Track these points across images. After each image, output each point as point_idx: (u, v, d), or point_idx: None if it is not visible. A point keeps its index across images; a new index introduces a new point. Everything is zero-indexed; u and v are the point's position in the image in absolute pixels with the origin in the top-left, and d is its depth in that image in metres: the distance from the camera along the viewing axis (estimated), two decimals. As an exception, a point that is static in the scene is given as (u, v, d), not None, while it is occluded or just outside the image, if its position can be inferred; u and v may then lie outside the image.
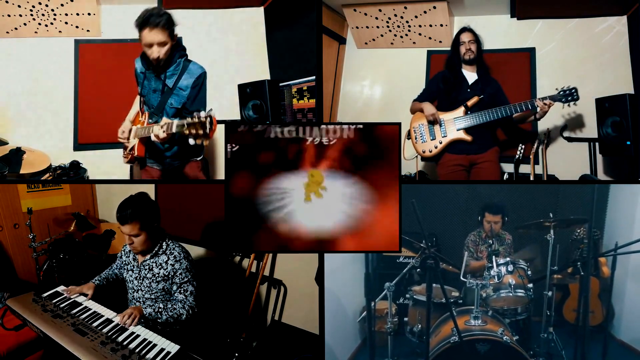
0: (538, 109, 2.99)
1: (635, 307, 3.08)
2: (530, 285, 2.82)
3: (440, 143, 3.13)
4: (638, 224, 3.03)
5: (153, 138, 2.54)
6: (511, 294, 2.78)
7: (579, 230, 3.12)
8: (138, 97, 2.88)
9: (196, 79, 2.66)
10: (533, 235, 3.06)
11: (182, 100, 2.67)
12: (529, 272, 2.88)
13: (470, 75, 3.17)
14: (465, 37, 3.15)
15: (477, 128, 3.08)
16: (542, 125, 3.49)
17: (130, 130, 2.83)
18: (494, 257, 2.87)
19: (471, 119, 3.08)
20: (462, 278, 2.83)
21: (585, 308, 2.77)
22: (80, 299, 2.51)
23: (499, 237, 3.09)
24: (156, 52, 2.55)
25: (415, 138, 3.21)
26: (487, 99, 3.11)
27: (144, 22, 2.51)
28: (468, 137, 3.08)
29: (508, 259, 2.88)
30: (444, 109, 3.16)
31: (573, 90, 3.00)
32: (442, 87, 3.18)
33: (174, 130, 2.39)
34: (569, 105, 3.02)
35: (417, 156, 3.31)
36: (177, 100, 2.67)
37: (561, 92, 3.01)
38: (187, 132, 2.27)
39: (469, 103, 3.09)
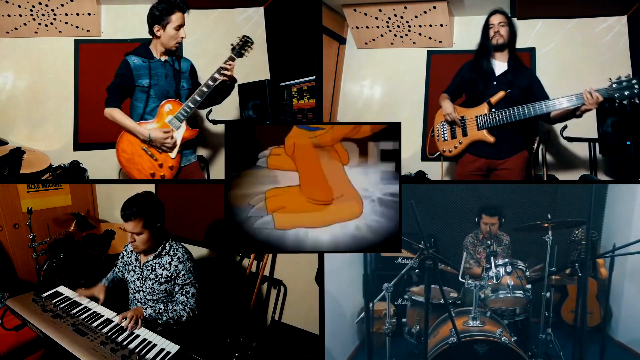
0: (582, 107, 2.49)
1: (633, 308, 3.08)
2: (529, 286, 2.82)
3: (460, 143, 2.87)
4: (636, 225, 3.02)
5: (221, 76, 2.75)
6: (509, 295, 2.78)
7: (577, 232, 3.09)
8: (114, 111, 2.79)
9: (191, 64, 2.97)
10: (531, 237, 3.05)
11: (189, 82, 2.91)
12: (527, 273, 2.88)
13: (500, 65, 2.79)
14: (495, 20, 2.77)
15: (501, 128, 2.74)
16: (542, 125, 3.49)
17: (170, 130, 2.80)
18: (492, 258, 2.87)
19: (494, 117, 2.73)
20: (460, 279, 2.83)
21: (583, 309, 2.77)
22: (91, 304, 2.48)
23: (496, 238, 3.08)
24: (183, 34, 2.79)
25: (438, 136, 3.00)
26: (516, 94, 2.72)
27: (175, 5, 2.74)
28: (491, 138, 2.76)
29: (506, 260, 2.88)
30: (470, 104, 2.87)
31: (634, 82, 2.35)
32: (467, 78, 2.84)
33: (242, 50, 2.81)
34: (625, 102, 2.53)
35: (437, 154, 3.10)
36: (187, 82, 2.90)
37: (615, 84, 2.38)
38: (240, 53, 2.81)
39: (493, 99, 2.74)
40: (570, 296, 3.15)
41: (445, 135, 2.94)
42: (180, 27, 2.78)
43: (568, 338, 2.95)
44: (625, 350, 3.06)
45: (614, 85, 2.42)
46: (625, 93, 2.39)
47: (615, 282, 2.96)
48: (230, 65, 2.80)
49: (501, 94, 2.72)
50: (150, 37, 2.87)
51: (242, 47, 2.83)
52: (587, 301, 2.95)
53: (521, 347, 2.58)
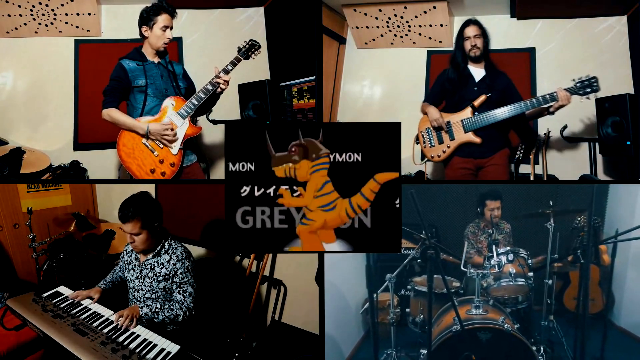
0: (554, 104, 2.74)
1: (635, 294, 3.09)
2: (531, 273, 2.83)
3: (448, 147, 2.95)
4: (639, 212, 3.01)
5: (222, 85, 2.80)
6: (512, 283, 2.80)
7: (579, 218, 3.08)
8: (112, 110, 2.74)
9: (183, 68, 2.97)
10: (532, 224, 3.04)
11: (184, 82, 2.93)
12: (529, 261, 2.89)
13: (478, 71, 2.94)
14: (470, 32, 2.89)
15: (485, 129, 2.87)
16: (542, 125, 3.49)
17: (169, 123, 2.77)
18: (493, 246, 2.87)
19: (478, 119, 2.87)
20: (462, 268, 2.84)
21: (585, 296, 2.75)
22: (86, 301, 2.48)
23: (497, 226, 3.07)
24: (169, 35, 2.82)
25: (424, 143, 3.05)
26: (495, 96, 2.88)
27: (160, 7, 2.78)
28: (477, 139, 2.87)
29: (508, 248, 2.89)
30: (452, 110, 2.97)
31: (593, 80, 2.71)
32: (447, 87, 2.97)
33: (249, 52, 2.92)
34: (587, 97, 2.75)
35: (426, 160, 3.19)
36: (182, 82, 2.92)
37: (578, 84, 2.73)
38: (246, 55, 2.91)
39: (476, 103, 2.87)
40: (573, 283, 3.15)
41: (432, 141, 3.02)
42: (166, 27, 2.80)
43: (570, 325, 2.95)
44: (626, 336, 3.07)
45: (578, 84, 2.75)
46: (587, 90, 2.73)
47: (617, 268, 2.95)
48: (224, 77, 2.83)
49: (483, 97, 2.87)
50: (142, 39, 2.85)
51: (248, 49, 2.91)
52: (589, 288, 2.94)
53: (524, 334, 2.59)
